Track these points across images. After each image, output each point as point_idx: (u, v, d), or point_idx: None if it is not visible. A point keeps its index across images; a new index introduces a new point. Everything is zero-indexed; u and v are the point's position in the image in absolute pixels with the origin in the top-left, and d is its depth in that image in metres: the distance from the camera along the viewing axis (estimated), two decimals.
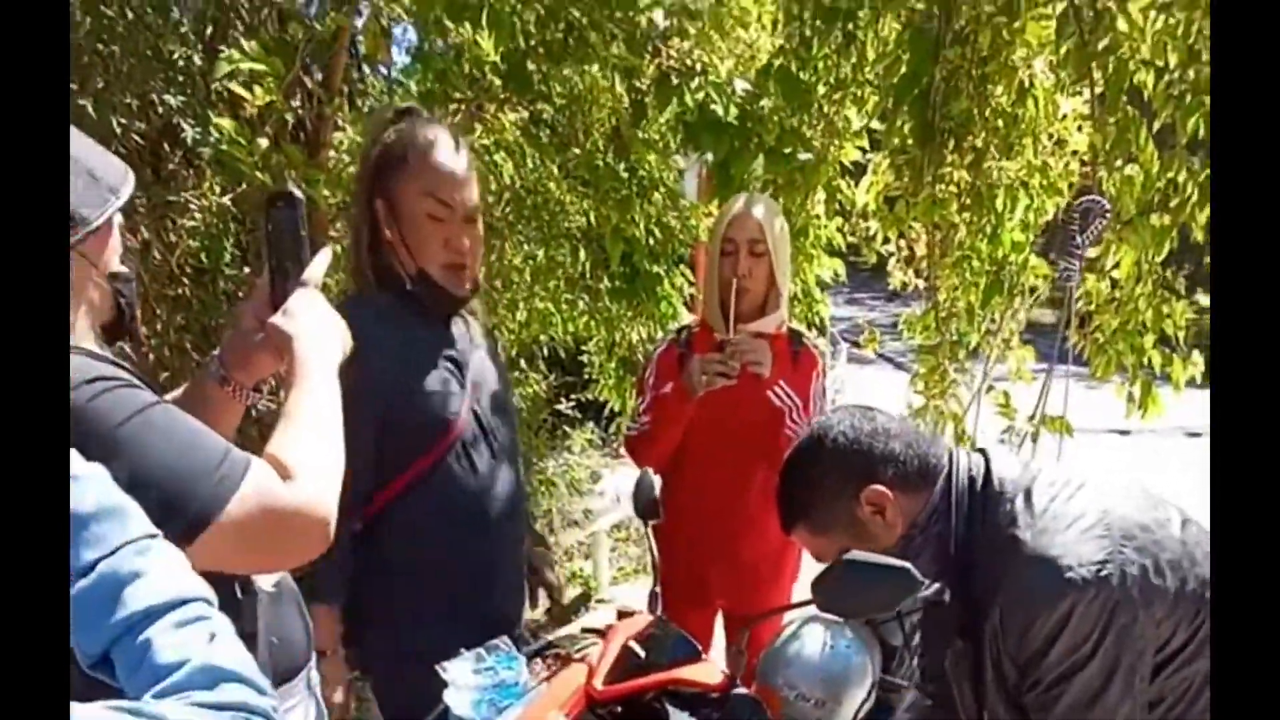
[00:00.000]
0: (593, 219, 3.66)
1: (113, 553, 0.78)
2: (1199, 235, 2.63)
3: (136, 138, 2.70)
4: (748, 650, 1.70)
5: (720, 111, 2.68)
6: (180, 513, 1.01)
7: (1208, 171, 2.47)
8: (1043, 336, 3.88)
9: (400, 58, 3.57)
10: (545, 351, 4.67)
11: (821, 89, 3.10)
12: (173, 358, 2.92)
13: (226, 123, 2.26)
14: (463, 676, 1.47)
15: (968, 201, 3.01)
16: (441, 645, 1.67)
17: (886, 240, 3.44)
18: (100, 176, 1.11)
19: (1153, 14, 2.36)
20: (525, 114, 3.41)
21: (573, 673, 1.56)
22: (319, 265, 1.35)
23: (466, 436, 1.81)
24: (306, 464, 1.11)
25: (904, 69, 2.65)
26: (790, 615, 1.71)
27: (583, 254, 3.89)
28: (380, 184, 1.79)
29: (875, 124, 3.15)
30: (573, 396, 5.61)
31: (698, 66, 2.75)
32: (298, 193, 1.34)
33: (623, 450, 4.20)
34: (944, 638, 1.47)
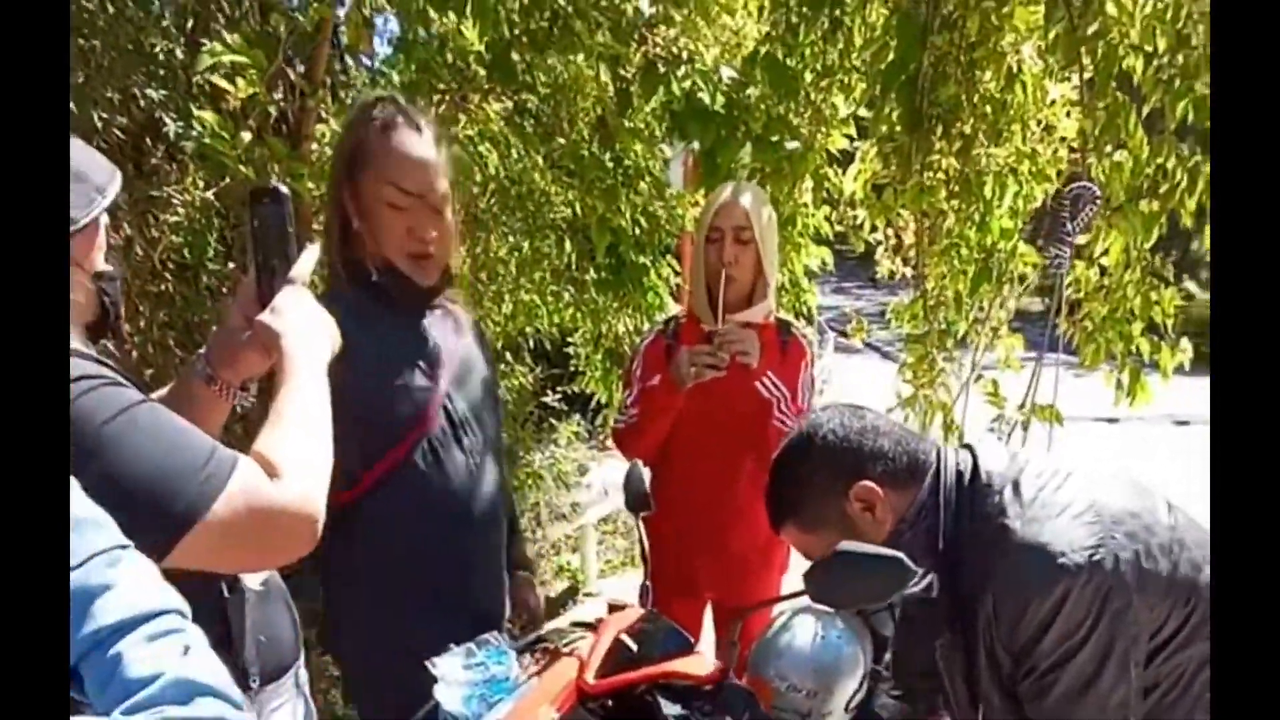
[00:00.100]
0: (578, 209, 3.65)
1: (81, 565, 0.76)
2: (1188, 221, 2.63)
3: (118, 132, 2.68)
4: (740, 642, 1.69)
5: (707, 100, 2.67)
6: (166, 511, 1.01)
7: (1197, 158, 2.47)
8: (1031, 324, 3.89)
9: (383, 48, 3.54)
10: (531, 343, 4.66)
11: (808, 76, 3.09)
12: (156, 354, 2.91)
13: (209, 116, 2.23)
14: (453, 671, 1.46)
15: (956, 189, 3.01)
16: (416, 642, 1.66)
17: (874, 228, 3.44)
18: (87, 176, 1.11)
19: None
20: (510, 104, 3.39)
21: (564, 667, 1.54)
22: (306, 262, 1.34)
23: (436, 433, 1.77)
24: (294, 461, 1.10)
25: (891, 55, 2.63)
26: (782, 606, 1.70)
27: (568, 245, 3.88)
28: (347, 175, 1.76)
29: (863, 111, 3.14)
30: (559, 389, 5.61)
31: (684, 55, 2.73)
32: (284, 189, 1.33)
33: (610, 443, 4.19)
34: (933, 631, 1.47)
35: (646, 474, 1.87)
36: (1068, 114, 3.08)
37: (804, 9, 2.82)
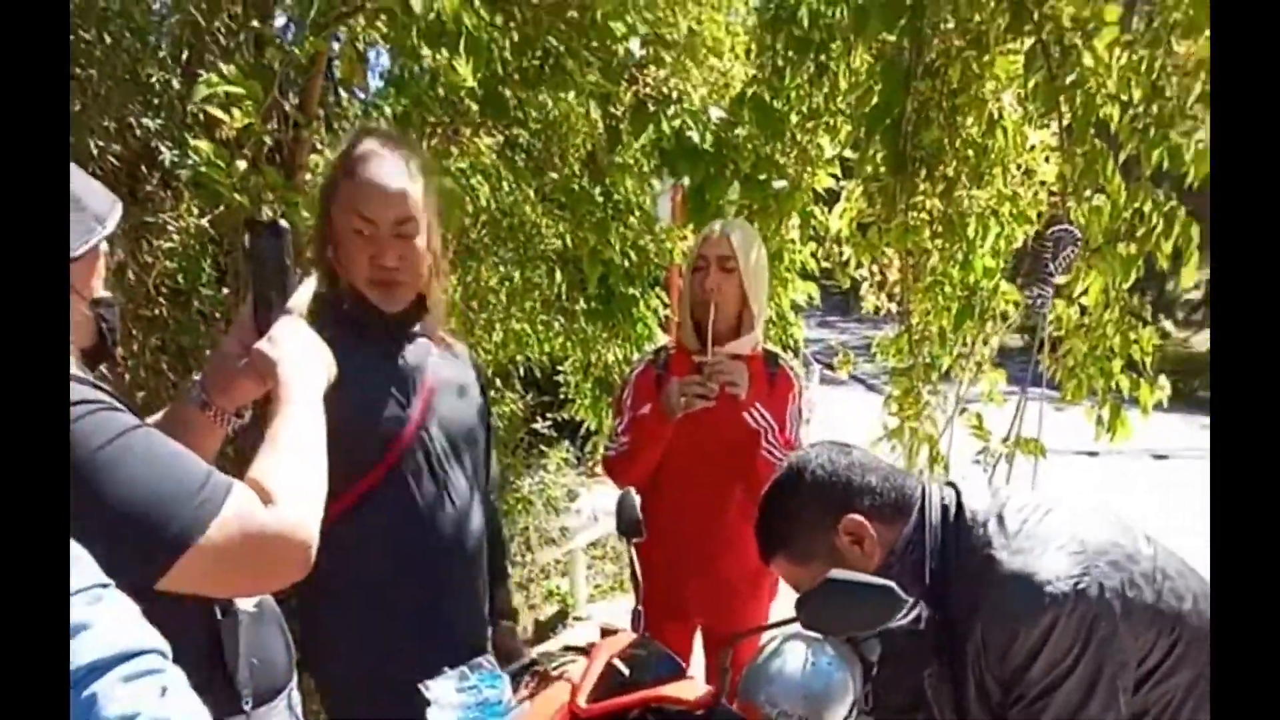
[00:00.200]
0: (569, 241, 3.69)
1: None
2: (1164, 263, 2.69)
3: (113, 160, 2.69)
4: (731, 668, 1.71)
5: (696, 138, 2.72)
6: (160, 535, 1.02)
7: (1173, 202, 2.53)
8: (1012, 360, 3.94)
9: (376, 82, 3.59)
10: (521, 371, 4.68)
11: (794, 118, 3.14)
12: (148, 378, 2.91)
13: (205, 145, 2.26)
14: (446, 695, 1.47)
15: (939, 229, 3.06)
16: (383, 670, 1.68)
17: (859, 265, 3.49)
18: (87, 206, 1.13)
19: (1117, 50, 2.43)
20: (501, 138, 3.44)
21: (556, 691, 1.56)
22: (303, 294, 1.37)
23: (408, 463, 1.77)
24: (288, 488, 1.12)
25: (876, 99, 2.69)
26: (773, 632, 1.73)
27: (559, 276, 3.92)
28: (324, 206, 1.79)
29: (848, 153, 3.19)
30: (549, 416, 5.62)
31: (674, 94, 2.78)
32: (283, 224, 1.36)
33: (599, 469, 4.20)
34: (921, 662, 1.50)
35: (638, 501, 1.90)
36: (1047, 159, 3.14)
37: (790, 53, 2.88)
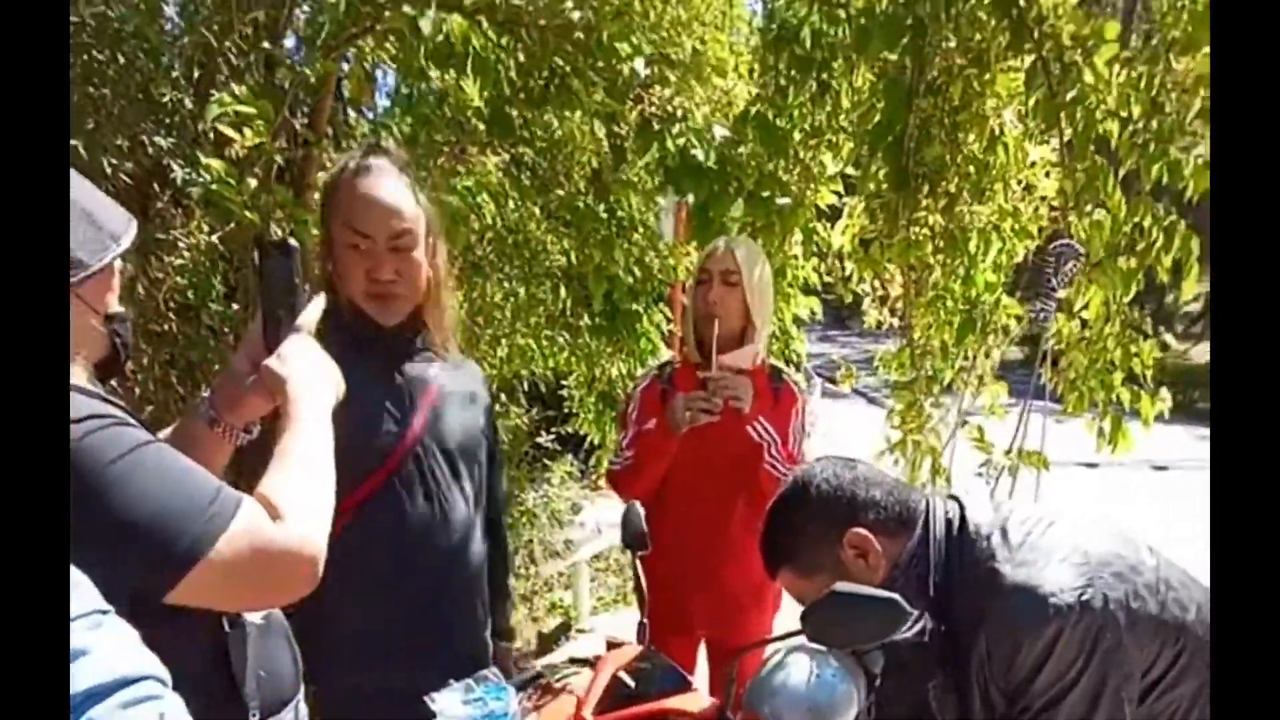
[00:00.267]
0: (573, 258, 3.73)
1: None
2: (1164, 277, 2.71)
3: (125, 177, 2.72)
4: (736, 680, 1.73)
5: (700, 156, 2.74)
6: (170, 549, 1.04)
7: (1172, 217, 2.55)
8: (1012, 373, 3.97)
9: (384, 101, 3.63)
10: (526, 386, 4.71)
11: (797, 136, 3.16)
12: (157, 392, 2.93)
13: (216, 163, 2.29)
14: (452, 707, 1.48)
15: (941, 244, 3.08)
16: (388, 683, 1.69)
17: (861, 280, 3.52)
18: (102, 224, 1.15)
19: (1117, 67, 2.46)
20: (507, 156, 3.47)
21: (562, 703, 1.57)
22: (312, 312, 1.39)
23: (400, 478, 1.77)
24: (297, 504, 1.14)
25: (878, 117, 2.71)
26: (777, 645, 1.74)
27: (563, 292, 3.94)
28: (323, 219, 1.81)
29: (850, 170, 3.22)
30: (553, 430, 5.65)
31: (678, 113, 2.81)
32: (293, 243, 1.38)
33: (602, 482, 4.21)
34: (926, 673, 1.52)
35: (643, 514, 1.92)
36: (1047, 174, 3.18)
37: (792, 72, 2.91)
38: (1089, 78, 2.42)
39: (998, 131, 2.93)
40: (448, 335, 1.94)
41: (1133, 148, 2.50)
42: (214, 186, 2.28)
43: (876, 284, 3.58)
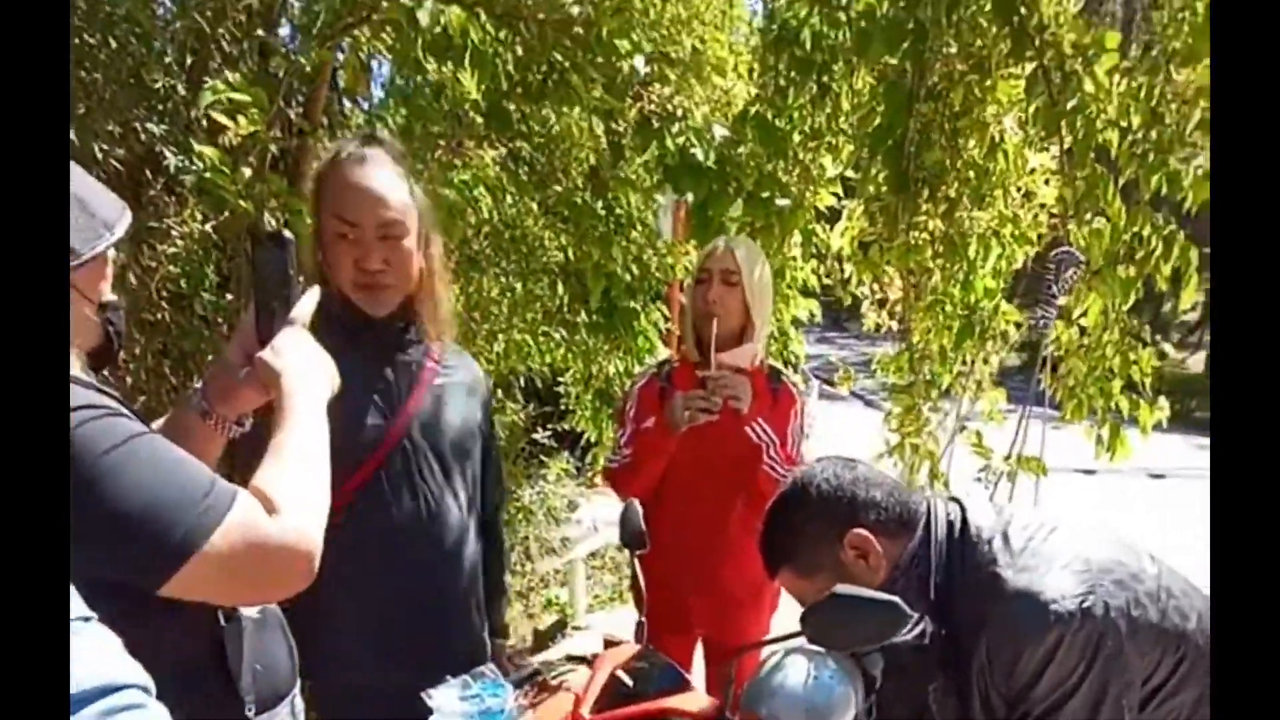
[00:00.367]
0: (570, 254, 3.71)
1: None
2: (1163, 285, 2.70)
3: (117, 164, 2.70)
4: (734, 681, 1.72)
5: (699, 155, 2.73)
6: (164, 541, 1.03)
7: (1171, 226, 2.54)
8: (1011, 379, 3.96)
9: (377, 91, 3.60)
10: (522, 382, 4.70)
11: (797, 137, 3.15)
12: (149, 381, 2.92)
13: (210, 151, 2.26)
14: (449, 703, 1.47)
15: (941, 248, 3.07)
16: (381, 678, 1.68)
17: (860, 283, 3.50)
18: (95, 212, 1.14)
19: (1117, 76, 2.44)
20: (504, 151, 3.45)
21: (559, 701, 1.56)
22: (307, 304, 1.37)
23: (385, 473, 1.75)
24: (291, 497, 1.13)
25: (878, 121, 2.70)
26: (775, 645, 1.73)
27: (560, 288, 3.93)
28: (314, 209, 1.78)
29: (850, 172, 3.21)
30: (549, 426, 5.64)
31: (677, 111, 2.80)
32: (288, 235, 1.37)
33: (598, 480, 4.20)
34: (926, 676, 1.51)
35: (642, 512, 1.90)
36: (1046, 182, 3.17)
37: (792, 73, 2.90)
38: (1089, 87, 2.42)
39: (998, 138, 2.92)
40: (443, 328, 1.90)
41: (1132, 157, 2.50)
42: (208, 175, 2.27)
43: (875, 287, 3.56)
